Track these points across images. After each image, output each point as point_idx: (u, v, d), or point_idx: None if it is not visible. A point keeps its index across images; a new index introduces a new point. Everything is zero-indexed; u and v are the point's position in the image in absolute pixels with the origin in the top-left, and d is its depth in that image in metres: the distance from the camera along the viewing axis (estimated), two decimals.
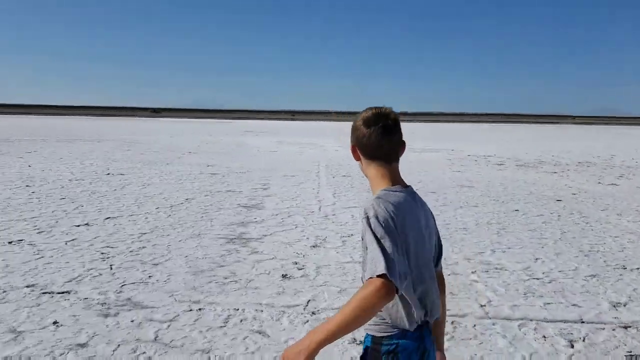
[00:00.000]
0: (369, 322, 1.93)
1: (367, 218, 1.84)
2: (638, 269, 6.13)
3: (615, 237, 7.73)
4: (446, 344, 3.81)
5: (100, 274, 5.65)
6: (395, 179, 2.02)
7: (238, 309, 4.76)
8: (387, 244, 1.77)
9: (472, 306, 4.90)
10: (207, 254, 6.50)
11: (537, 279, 5.72)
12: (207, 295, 5.08)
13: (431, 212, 2.12)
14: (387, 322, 1.94)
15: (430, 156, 22.36)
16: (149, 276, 5.63)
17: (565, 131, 56.49)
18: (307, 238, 7.41)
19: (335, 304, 4.91)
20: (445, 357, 2.22)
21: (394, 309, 1.93)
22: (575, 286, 5.49)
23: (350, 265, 6.11)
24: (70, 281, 5.42)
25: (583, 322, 4.57)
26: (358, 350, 3.93)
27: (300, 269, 5.97)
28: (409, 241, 1.89)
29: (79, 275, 5.59)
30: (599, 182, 14.29)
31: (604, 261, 6.45)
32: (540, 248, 7.02)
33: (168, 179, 13.39)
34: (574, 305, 4.95)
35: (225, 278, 5.61)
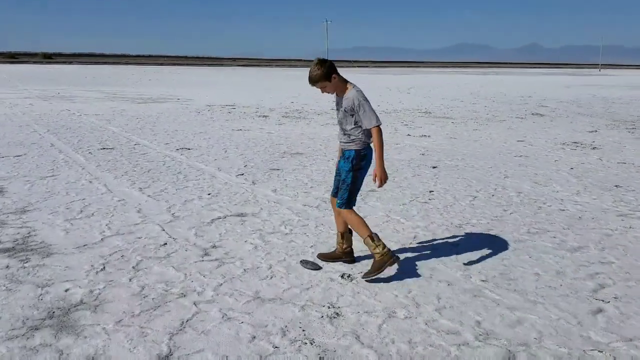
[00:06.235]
0: (353, 144, 4.06)
1: (362, 99, 3.96)
2: None
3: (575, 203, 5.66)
4: None
5: None
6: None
7: None
8: (373, 109, 4.06)
9: None
10: None
11: None
12: None
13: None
14: (362, 144, 4.07)
15: (167, 107, 18.00)
16: None
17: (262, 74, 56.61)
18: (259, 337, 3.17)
19: None
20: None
21: (366, 138, 4.06)
22: None
23: None
24: None
25: None
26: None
27: None
28: None
29: None
30: (408, 135, 12.67)
31: None
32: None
33: None
34: None
35: None
